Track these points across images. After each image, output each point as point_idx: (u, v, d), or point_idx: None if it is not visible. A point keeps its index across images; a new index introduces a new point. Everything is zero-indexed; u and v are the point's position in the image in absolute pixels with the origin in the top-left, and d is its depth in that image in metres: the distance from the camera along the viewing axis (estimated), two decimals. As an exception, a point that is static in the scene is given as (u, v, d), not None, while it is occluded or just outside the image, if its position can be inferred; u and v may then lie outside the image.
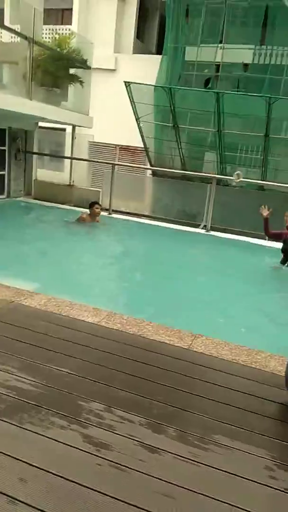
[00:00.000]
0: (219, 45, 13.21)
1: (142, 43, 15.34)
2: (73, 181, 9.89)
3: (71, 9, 13.93)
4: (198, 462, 2.00)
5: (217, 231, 7.91)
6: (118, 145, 13.83)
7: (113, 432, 2.12)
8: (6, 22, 8.84)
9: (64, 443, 2.02)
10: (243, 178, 11.30)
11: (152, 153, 12.56)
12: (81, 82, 8.95)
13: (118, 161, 12.93)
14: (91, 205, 7.83)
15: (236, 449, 2.11)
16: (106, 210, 8.59)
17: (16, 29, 7.49)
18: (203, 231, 8.02)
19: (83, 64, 8.98)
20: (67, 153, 11.67)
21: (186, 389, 2.57)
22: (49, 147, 13.67)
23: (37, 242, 6.54)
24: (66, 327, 3.17)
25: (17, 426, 2.08)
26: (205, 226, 8.04)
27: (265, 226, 6.36)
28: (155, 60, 13.55)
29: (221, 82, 13.43)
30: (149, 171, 12.37)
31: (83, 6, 14.00)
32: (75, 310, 3.44)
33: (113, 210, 8.61)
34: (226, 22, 13.00)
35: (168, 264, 6.13)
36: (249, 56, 13.13)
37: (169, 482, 1.86)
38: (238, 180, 6.31)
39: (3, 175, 9.32)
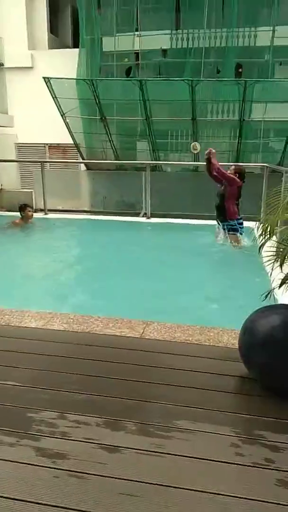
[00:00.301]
0: (136, 33, 13.13)
1: (57, 38, 14.93)
2: (1, 185, 9.42)
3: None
4: (162, 453, 1.88)
5: (158, 217, 7.84)
6: (47, 144, 13.40)
7: (68, 439, 1.96)
8: None
9: (14, 461, 1.83)
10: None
11: (83, 149, 12.28)
12: (-6, 81, 8.47)
13: (50, 163, 12.51)
14: (22, 208, 7.47)
15: (200, 431, 2.02)
16: (42, 210, 8.25)
17: None
18: (143, 219, 7.94)
19: (-6, 61, 8.52)
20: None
21: (142, 379, 2.45)
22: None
23: None
24: (6, 337, 2.94)
25: None
26: (145, 213, 7.96)
27: (208, 167, 6.11)
28: (73, 54, 13.21)
29: (143, 70, 13.37)
30: (84, 166, 12.11)
31: (-14, 4, 13.35)
32: (15, 317, 3.21)
33: (48, 210, 8.28)
34: (140, 9, 12.90)
35: (108, 256, 5.97)
36: (167, 41, 13.14)
37: (134, 480, 1.74)
38: (196, 151, 6.34)
39: None
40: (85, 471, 1.78)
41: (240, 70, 12.33)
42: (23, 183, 12.18)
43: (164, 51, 13.40)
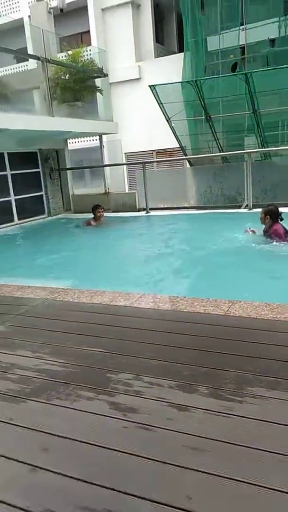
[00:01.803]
0: (241, 27, 12.91)
1: (162, 46, 15.42)
2: (108, 189, 10.00)
3: (89, 31, 14.36)
4: (231, 415, 1.85)
5: (261, 207, 7.49)
6: (154, 150, 13.85)
7: (140, 397, 2.04)
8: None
9: (90, 412, 1.97)
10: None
11: (189, 150, 12.41)
12: (100, 91, 9.09)
13: (157, 165, 12.91)
14: (94, 209, 7.88)
15: (274, 398, 1.93)
16: (144, 209, 8.56)
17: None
18: (245, 210, 7.70)
19: (100, 73, 9.15)
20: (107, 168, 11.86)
21: (221, 350, 2.42)
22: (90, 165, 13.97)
23: (67, 251, 6.83)
24: (98, 313, 3.15)
25: (44, 403, 2.07)
26: (247, 205, 7.72)
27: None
28: (178, 59, 13.52)
29: (249, 64, 13.04)
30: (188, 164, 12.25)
31: (99, 25, 14.39)
32: (107, 297, 3.42)
33: (150, 208, 8.55)
34: (245, 2, 12.67)
35: (204, 249, 5.95)
36: (275, 30, 12.65)
37: (199, 436, 1.74)
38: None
39: (41, 195, 9.70)
40: (153, 425, 1.83)
41: None
42: (132, 187, 12.77)
43: (272, 41, 12.88)
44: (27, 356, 2.55)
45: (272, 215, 5.49)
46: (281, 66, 11.02)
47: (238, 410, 1.87)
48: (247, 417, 1.82)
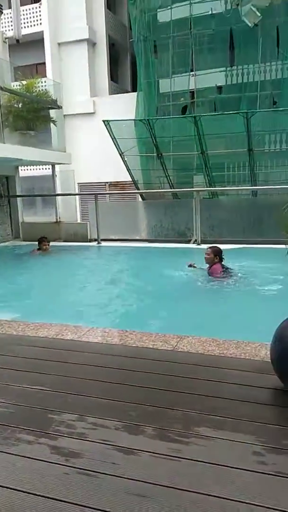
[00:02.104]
0: (191, 73, 13.64)
1: (117, 84, 15.91)
2: (59, 218, 9.94)
3: (44, 63, 14.57)
4: (177, 457, 1.80)
5: (209, 243, 7.74)
6: (107, 183, 14.02)
7: (84, 440, 1.94)
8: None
9: (29, 458, 1.84)
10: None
11: (141, 184, 12.68)
12: (53, 122, 9.16)
13: (109, 197, 13.05)
14: (40, 241, 8.05)
15: (221, 438, 1.91)
16: (95, 240, 8.57)
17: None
18: (194, 245, 7.92)
19: (54, 104, 9.25)
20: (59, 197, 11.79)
21: (169, 388, 2.38)
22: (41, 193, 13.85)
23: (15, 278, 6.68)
24: (43, 347, 3.02)
25: (-22, 448, 1.91)
26: (195, 240, 7.95)
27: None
28: (131, 97, 13.99)
29: (198, 108, 13.74)
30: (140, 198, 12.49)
31: (55, 58, 14.65)
32: (53, 330, 3.30)
33: (102, 239, 8.57)
34: (194, 50, 13.43)
35: (151, 283, 6.04)
36: (222, 78, 13.49)
37: (145, 481, 1.67)
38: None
39: (-13, 222, 9.47)
40: (97, 470, 1.74)
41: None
42: (84, 217, 12.78)
43: (219, 88, 13.71)
44: None
45: (219, 256, 6.02)
46: (227, 112, 11.68)
47: (185, 452, 1.83)
48: (193, 460, 1.78)
